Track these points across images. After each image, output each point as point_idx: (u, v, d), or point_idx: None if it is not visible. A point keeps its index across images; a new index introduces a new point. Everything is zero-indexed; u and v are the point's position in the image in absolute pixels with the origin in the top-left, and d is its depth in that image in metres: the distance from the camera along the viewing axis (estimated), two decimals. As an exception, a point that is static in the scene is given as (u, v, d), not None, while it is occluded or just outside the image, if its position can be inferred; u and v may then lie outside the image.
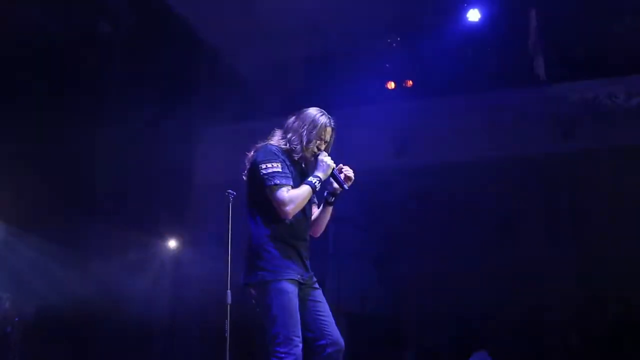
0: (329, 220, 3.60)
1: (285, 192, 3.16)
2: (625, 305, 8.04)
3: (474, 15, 10.05)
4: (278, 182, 3.17)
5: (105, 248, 8.85)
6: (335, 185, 3.46)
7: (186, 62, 10.35)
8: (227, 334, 4.26)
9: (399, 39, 10.49)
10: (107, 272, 8.58)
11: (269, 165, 3.21)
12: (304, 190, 3.24)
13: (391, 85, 10.31)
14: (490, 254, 10.25)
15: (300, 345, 3.10)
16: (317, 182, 3.29)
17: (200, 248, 9.63)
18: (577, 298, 9.63)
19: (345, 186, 3.44)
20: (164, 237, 10.40)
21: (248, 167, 3.38)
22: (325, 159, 3.35)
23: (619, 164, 8.49)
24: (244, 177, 3.43)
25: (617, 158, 8.53)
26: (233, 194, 4.07)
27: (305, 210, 3.36)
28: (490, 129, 9.21)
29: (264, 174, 3.20)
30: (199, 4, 9.92)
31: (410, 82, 10.30)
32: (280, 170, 3.20)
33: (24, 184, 7.54)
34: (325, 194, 3.56)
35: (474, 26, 10.39)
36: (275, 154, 3.27)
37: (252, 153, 3.38)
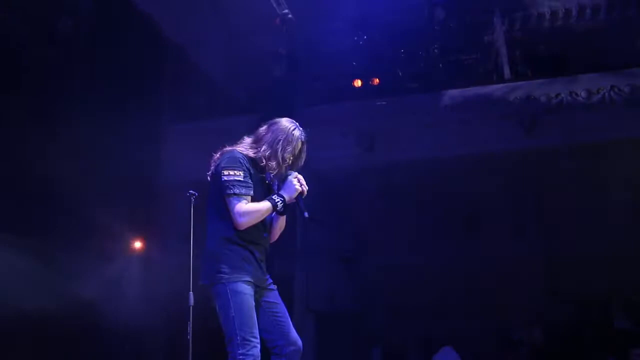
0: (285, 227, 3.58)
1: (242, 204, 3.16)
2: (587, 303, 8.22)
3: (439, 13, 10.13)
4: (237, 191, 3.17)
5: (68, 250, 8.66)
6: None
7: (150, 59, 10.20)
8: (190, 336, 4.22)
9: (365, 37, 10.50)
10: (71, 275, 8.39)
11: (231, 172, 3.20)
12: (264, 206, 3.24)
13: (358, 83, 10.31)
14: (457, 251, 10.39)
15: (258, 346, 3.10)
16: (280, 202, 3.29)
17: (167, 248, 9.51)
18: (543, 294, 9.83)
19: (306, 214, 3.42)
20: (129, 238, 10.24)
21: (212, 169, 3.37)
22: (295, 182, 3.35)
23: (581, 161, 8.67)
24: (209, 178, 3.40)
25: (580, 155, 8.70)
26: (195, 194, 4.02)
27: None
28: (456, 127, 9.30)
29: (225, 180, 3.19)
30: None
31: (377, 80, 10.32)
32: (242, 179, 3.19)
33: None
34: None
35: (438, 24, 10.49)
36: (240, 161, 3.25)
37: (217, 156, 3.35)
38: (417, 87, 10.05)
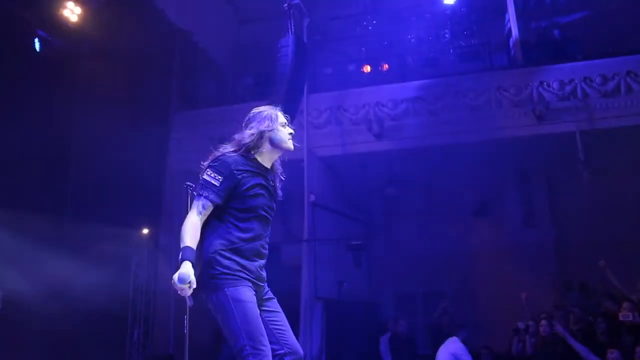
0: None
1: (200, 208, 3.10)
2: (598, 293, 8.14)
3: (449, -2, 10.07)
4: (205, 194, 3.11)
5: (78, 239, 8.68)
6: None
7: (159, 46, 10.16)
8: (187, 330, 4.19)
9: (374, 22, 10.42)
10: (80, 263, 8.40)
11: (212, 175, 3.14)
12: (186, 238, 3.04)
13: (367, 68, 10.23)
14: (466, 237, 10.33)
15: (270, 354, 3.01)
16: (180, 260, 3.00)
17: (176, 235, 9.52)
18: (553, 280, 9.77)
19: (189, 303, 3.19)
20: (139, 225, 10.26)
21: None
22: (178, 286, 2.95)
23: (594, 148, 8.56)
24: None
25: (592, 140, 8.59)
26: (192, 186, 3.93)
27: (267, 221, 3.28)
28: (466, 113, 9.21)
29: (203, 179, 3.16)
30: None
31: (387, 66, 10.24)
32: (217, 185, 3.12)
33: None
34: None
35: (450, 9, 10.39)
36: (229, 167, 3.17)
37: (207, 162, 3.28)
38: (427, 73, 9.95)
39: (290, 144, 3.39)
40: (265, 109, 3.38)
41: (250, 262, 3.16)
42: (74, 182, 8.95)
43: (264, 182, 3.28)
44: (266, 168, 3.33)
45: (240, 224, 3.17)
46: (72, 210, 8.75)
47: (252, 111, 3.41)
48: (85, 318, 8.77)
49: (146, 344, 10.17)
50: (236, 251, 3.12)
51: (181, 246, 3.03)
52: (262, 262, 3.26)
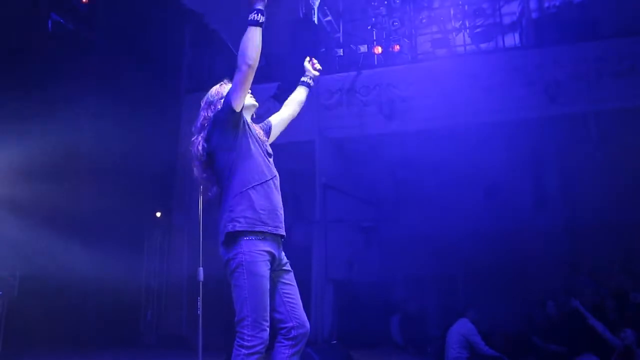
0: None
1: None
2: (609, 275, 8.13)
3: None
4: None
5: (92, 221, 8.77)
6: (311, 74, 3.92)
7: (170, 27, 10.15)
8: (200, 311, 4.21)
9: (386, 2, 10.32)
10: (93, 245, 8.49)
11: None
12: (247, 33, 3.09)
13: (378, 49, 10.17)
14: (477, 219, 10.31)
15: (268, 330, 3.10)
16: (256, 13, 3.10)
17: (190, 216, 9.58)
18: (564, 262, 9.75)
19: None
20: (152, 206, 10.33)
21: (207, 129, 3.41)
22: None
23: (606, 129, 8.49)
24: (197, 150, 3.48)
25: (606, 122, 8.52)
26: None
27: (277, 184, 3.33)
28: (478, 93, 9.14)
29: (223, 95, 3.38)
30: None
31: (397, 47, 10.17)
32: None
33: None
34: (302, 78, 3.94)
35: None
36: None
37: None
38: (438, 54, 9.88)
39: None
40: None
41: (272, 204, 3.30)
42: (85, 164, 9.01)
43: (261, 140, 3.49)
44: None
45: None
46: (84, 192, 8.83)
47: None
48: (99, 299, 8.91)
49: (159, 325, 10.30)
50: (255, 190, 3.26)
51: (257, 27, 3.12)
52: (282, 230, 3.33)
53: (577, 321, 6.99)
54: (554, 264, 9.64)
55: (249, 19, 3.09)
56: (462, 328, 7.57)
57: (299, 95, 3.88)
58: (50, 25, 8.32)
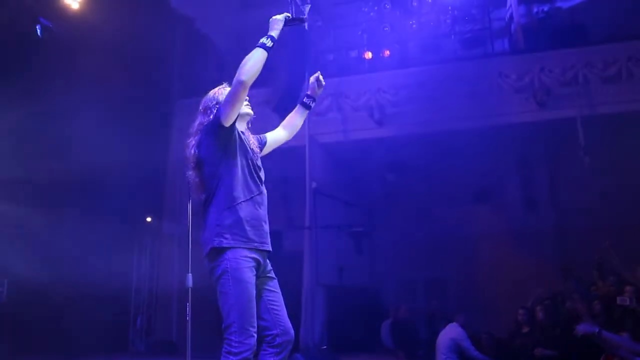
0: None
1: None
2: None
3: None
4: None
5: (81, 227, 8.72)
6: (311, 92, 3.78)
7: (160, 32, 10.12)
8: (189, 317, 4.18)
9: (376, 8, 10.37)
10: (83, 251, 8.45)
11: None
12: (254, 53, 3.21)
13: (368, 55, 10.21)
14: (467, 223, 10.35)
15: (255, 336, 3.09)
16: (267, 38, 3.28)
17: (180, 222, 9.55)
18: (554, 267, 9.79)
19: (303, 16, 3.48)
20: (142, 212, 10.30)
21: (198, 137, 3.38)
22: (274, 17, 3.36)
23: (595, 134, 8.55)
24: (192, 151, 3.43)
25: (594, 127, 8.58)
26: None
27: (263, 200, 3.33)
28: (467, 99, 9.19)
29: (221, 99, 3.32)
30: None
31: (388, 52, 10.22)
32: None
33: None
34: (304, 98, 3.81)
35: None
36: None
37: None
38: (428, 59, 9.93)
39: None
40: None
41: (257, 218, 3.30)
42: (75, 171, 8.97)
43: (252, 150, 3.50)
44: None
45: None
46: (75, 199, 8.78)
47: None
48: (88, 305, 8.85)
49: (149, 331, 10.26)
50: (240, 205, 3.25)
51: (265, 52, 3.24)
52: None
53: (566, 325, 7.03)
54: (543, 268, 9.69)
55: (260, 41, 3.24)
56: (452, 332, 7.59)
57: (298, 119, 3.84)
58: (39, 30, 8.27)
